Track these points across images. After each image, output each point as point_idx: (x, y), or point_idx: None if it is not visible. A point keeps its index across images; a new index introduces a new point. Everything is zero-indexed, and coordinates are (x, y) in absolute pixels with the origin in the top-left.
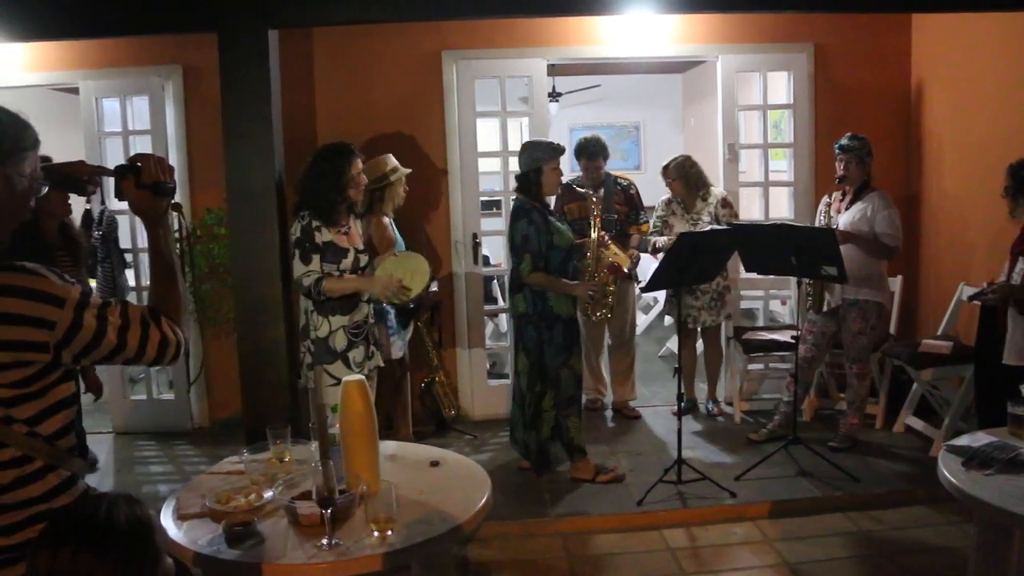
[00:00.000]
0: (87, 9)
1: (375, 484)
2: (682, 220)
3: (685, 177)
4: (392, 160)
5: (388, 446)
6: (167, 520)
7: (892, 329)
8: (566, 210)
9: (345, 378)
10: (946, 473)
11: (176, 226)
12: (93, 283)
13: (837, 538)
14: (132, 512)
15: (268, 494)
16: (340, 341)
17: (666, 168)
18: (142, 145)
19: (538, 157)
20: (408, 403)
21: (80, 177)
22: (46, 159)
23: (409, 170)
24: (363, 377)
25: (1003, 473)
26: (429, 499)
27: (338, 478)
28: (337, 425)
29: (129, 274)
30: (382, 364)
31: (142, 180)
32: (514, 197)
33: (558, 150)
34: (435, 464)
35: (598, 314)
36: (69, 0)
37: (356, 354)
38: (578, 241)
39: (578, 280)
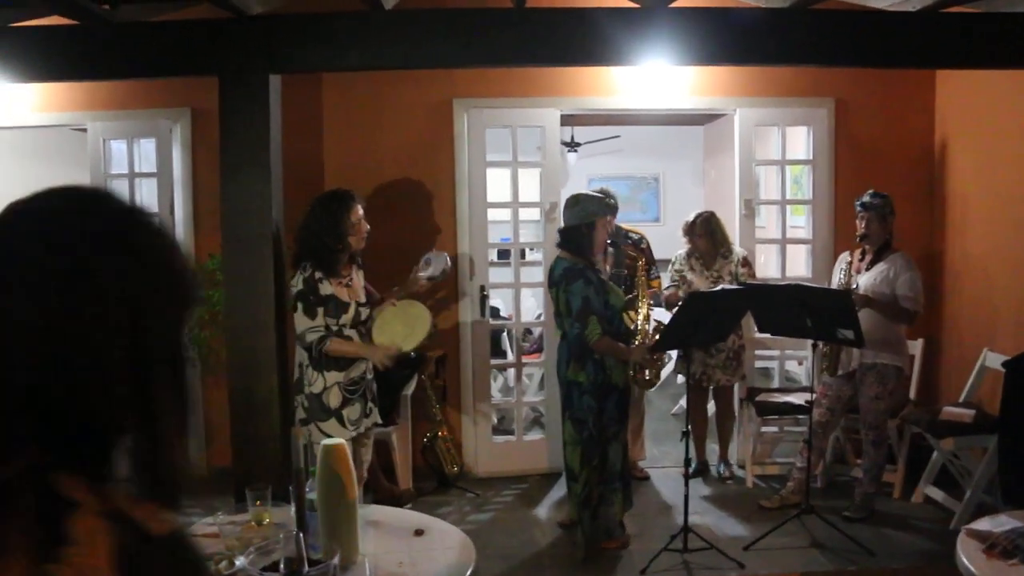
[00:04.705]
0: (91, 51)
1: (353, 554)
2: (701, 276)
3: (711, 234)
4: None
5: (371, 511)
6: None
7: (912, 394)
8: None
9: (323, 442)
10: (965, 560)
11: None
12: None
13: None
14: None
15: (239, 561)
16: (334, 398)
17: (692, 224)
18: (148, 187)
19: (593, 211)
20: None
21: None
22: None
23: None
24: (343, 441)
25: None
26: (409, 572)
27: (314, 547)
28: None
29: None
30: (380, 422)
31: None
32: (559, 255)
33: (612, 207)
34: (419, 533)
35: (647, 378)
36: (75, 42)
37: (351, 412)
38: (629, 297)
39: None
